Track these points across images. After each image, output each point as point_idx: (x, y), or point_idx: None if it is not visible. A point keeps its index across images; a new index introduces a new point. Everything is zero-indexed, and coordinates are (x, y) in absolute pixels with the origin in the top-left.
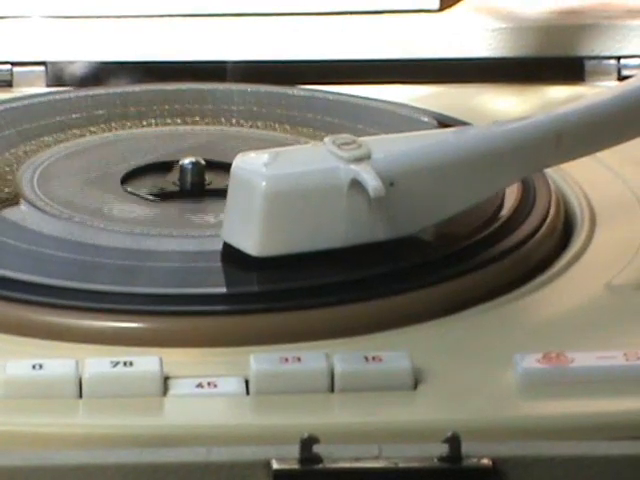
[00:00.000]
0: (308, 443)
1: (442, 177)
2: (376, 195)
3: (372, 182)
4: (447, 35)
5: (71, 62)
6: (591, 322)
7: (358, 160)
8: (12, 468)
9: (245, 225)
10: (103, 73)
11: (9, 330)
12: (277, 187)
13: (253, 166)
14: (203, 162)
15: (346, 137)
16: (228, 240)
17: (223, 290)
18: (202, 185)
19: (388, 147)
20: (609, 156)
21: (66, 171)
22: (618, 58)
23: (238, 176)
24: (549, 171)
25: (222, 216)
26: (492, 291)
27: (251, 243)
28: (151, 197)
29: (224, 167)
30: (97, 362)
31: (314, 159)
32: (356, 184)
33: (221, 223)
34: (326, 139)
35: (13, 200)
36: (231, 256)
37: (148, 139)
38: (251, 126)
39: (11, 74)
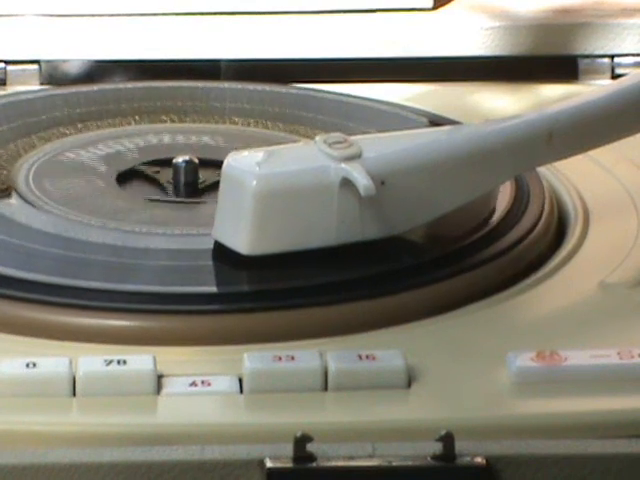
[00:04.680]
0: (302, 442)
1: (433, 176)
2: (366, 194)
3: (362, 181)
4: (441, 34)
5: (65, 60)
6: (585, 320)
7: (349, 159)
8: (5, 466)
9: (236, 224)
10: (97, 71)
11: (2, 328)
12: (268, 186)
13: (244, 165)
14: (197, 160)
15: (337, 136)
16: (219, 239)
17: (217, 289)
18: (195, 183)
19: (379, 146)
20: (603, 154)
21: (60, 169)
22: (612, 57)
23: (229, 175)
24: (542, 170)
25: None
26: (486, 290)
27: (241, 242)
28: (144, 195)
29: (218, 165)
30: (91, 360)
31: (305, 158)
32: (347, 183)
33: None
34: (317, 138)
35: (7, 197)
36: (224, 255)
37: (142, 137)
38: (245, 124)
39: (5, 72)
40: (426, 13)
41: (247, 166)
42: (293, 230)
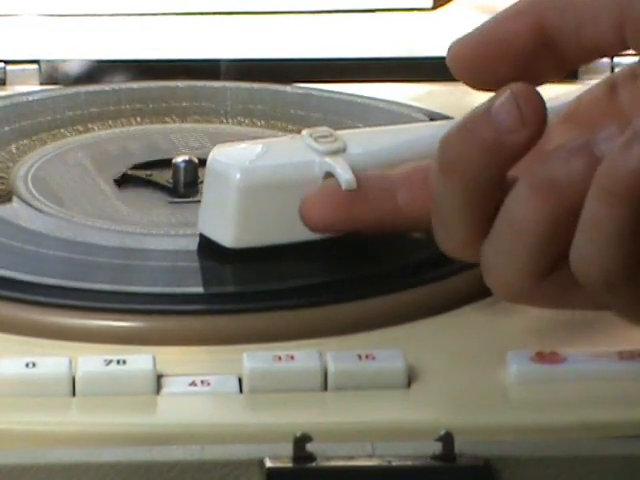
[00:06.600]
0: (301, 441)
1: None
2: (348, 188)
3: (344, 175)
4: (441, 34)
5: (64, 60)
6: (585, 321)
7: (333, 153)
8: (5, 466)
9: (220, 217)
10: (97, 71)
11: (2, 328)
12: (252, 179)
13: (229, 158)
14: (196, 160)
15: (323, 130)
16: (203, 232)
17: (217, 289)
18: (195, 183)
19: (365, 140)
20: None
21: (60, 169)
22: (611, 56)
23: (214, 168)
24: None
25: None
26: (486, 289)
27: (225, 235)
28: (144, 195)
29: None
30: (90, 360)
31: (290, 152)
32: (330, 177)
33: None
34: (304, 132)
35: (6, 198)
36: (223, 254)
37: (142, 137)
38: (245, 124)
39: (4, 72)
40: (426, 13)
41: (231, 159)
42: (277, 224)
